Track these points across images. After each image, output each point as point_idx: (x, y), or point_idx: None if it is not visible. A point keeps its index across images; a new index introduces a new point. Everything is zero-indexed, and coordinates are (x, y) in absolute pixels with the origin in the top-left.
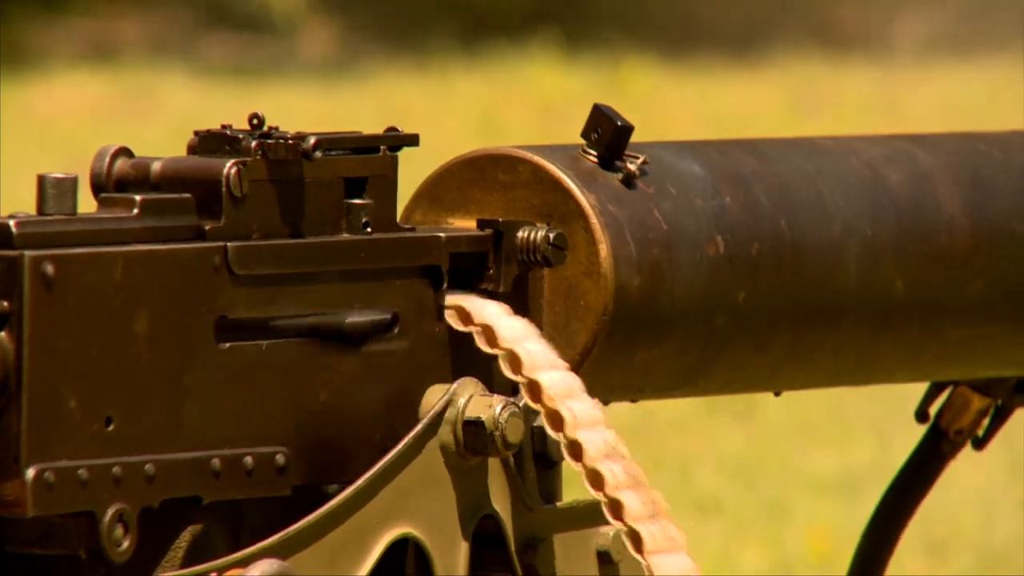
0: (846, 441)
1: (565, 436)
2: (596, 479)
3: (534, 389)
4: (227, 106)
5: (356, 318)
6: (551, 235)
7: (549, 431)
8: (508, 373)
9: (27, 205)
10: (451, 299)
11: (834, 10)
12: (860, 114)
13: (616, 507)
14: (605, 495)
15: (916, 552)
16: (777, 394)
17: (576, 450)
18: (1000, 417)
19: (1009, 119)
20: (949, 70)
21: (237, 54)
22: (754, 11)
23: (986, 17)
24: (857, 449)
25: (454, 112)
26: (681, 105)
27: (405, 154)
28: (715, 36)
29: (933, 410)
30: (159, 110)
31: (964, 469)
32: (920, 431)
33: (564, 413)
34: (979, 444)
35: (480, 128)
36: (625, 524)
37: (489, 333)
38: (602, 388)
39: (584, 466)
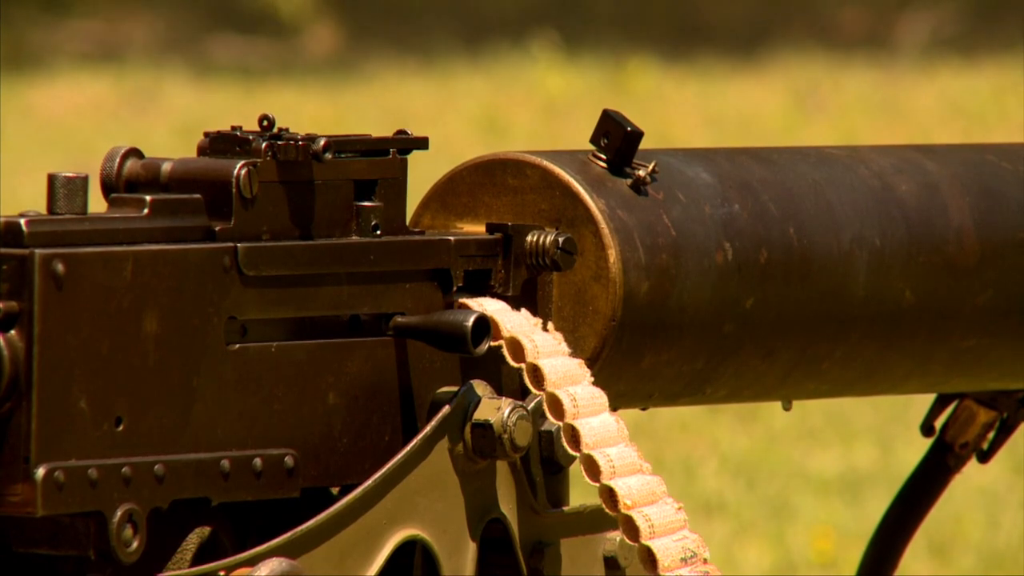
0: (848, 442)
1: (566, 423)
2: (592, 467)
3: (537, 374)
4: (231, 107)
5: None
6: (560, 239)
7: (550, 417)
8: (511, 362)
9: (29, 205)
10: (457, 301)
11: (837, 10)
12: (863, 114)
13: (610, 495)
14: (601, 483)
15: (920, 553)
16: (787, 407)
17: (574, 437)
18: (1005, 431)
19: (1012, 120)
20: (952, 71)
21: (241, 55)
22: (757, 11)
23: (989, 18)
24: (859, 449)
25: (458, 112)
26: (683, 105)
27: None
28: (717, 36)
29: (939, 423)
30: (163, 110)
31: (967, 471)
32: (921, 434)
33: (564, 399)
34: (984, 457)
35: (483, 128)
36: (619, 512)
37: (493, 326)
38: (611, 394)
39: (581, 453)
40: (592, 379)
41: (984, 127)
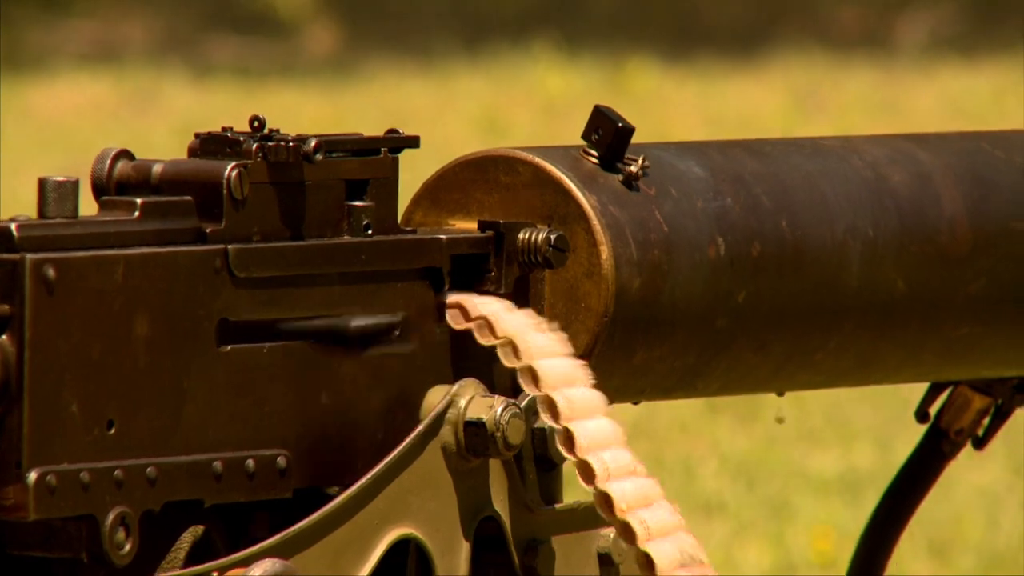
0: (848, 442)
1: (560, 426)
2: (587, 471)
3: (532, 376)
4: (230, 107)
5: (362, 322)
6: (552, 236)
7: (547, 420)
8: (506, 362)
9: (28, 206)
10: (450, 298)
11: (836, 10)
12: (862, 114)
13: (606, 500)
14: (595, 487)
15: (919, 553)
16: (780, 394)
17: (569, 440)
18: (1000, 417)
19: (1012, 119)
20: (952, 70)
21: (240, 55)
22: (756, 11)
23: (989, 18)
24: (859, 450)
25: (457, 113)
26: (683, 105)
27: (407, 155)
28: (717, 36)
29: (933, 410)
30: (162, 111)
31: (967, 470)
32: (921, 432)
33: (560, 402)
34: (979, 444)
35: (483, 129)
36: (615, 517)
37: (488, 326)
38: (603, 390)
39: (576, 457)
40: (592, 381)
41: (984, 127)
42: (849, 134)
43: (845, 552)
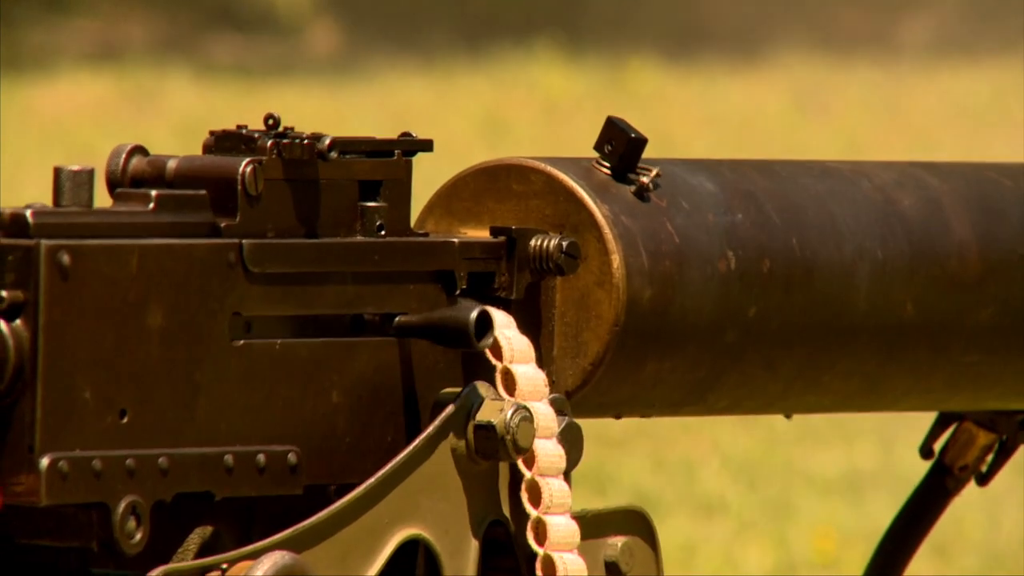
0: (849, 442)
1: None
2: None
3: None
4: (231, 106)
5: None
6: (564, 243)
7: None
8: (501, 391)
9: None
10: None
11: (838, 11)
12: (864, 115)
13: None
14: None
15: (921, 553)
16: (788, 416)
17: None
18: (1005, 453)
19: (1013, 120)
20: (953, 71)
21: (242, 54)
22: (758, 12)
23: (990, 18)
24: (860, 450)
25: (459, 112)
26: (685, 105)
27: None
28: (719, 37)
29: (938, 446)
30: (163, 110)
31: None
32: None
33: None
34: (983, 480)
35: (484, 128)
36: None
37: (494, 346)
38: (613, 401)
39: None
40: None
41: (986, 127)
42: (851, 135)
43: (846, 552)
